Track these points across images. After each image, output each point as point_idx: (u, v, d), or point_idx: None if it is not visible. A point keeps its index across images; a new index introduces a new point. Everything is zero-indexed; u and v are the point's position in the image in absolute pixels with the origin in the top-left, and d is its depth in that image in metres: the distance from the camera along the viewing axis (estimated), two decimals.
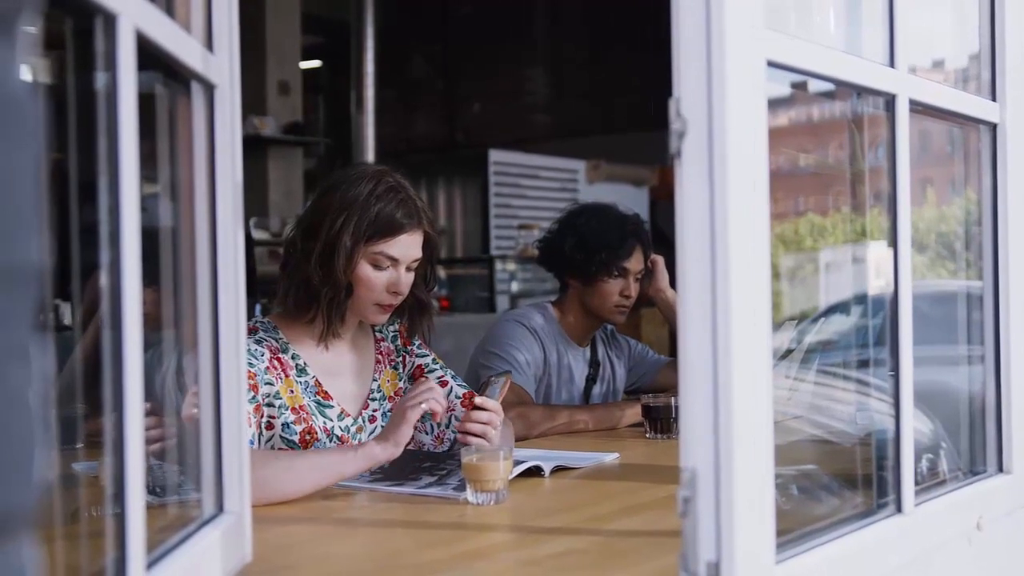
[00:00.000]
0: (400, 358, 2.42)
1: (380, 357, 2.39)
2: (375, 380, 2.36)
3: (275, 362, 2.17)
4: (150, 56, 1.12)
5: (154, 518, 1.18)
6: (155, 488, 1.38)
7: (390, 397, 2.37)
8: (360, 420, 2.29)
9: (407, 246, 2.22)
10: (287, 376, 2.20)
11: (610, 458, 2.36)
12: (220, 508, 1.39)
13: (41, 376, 0.59)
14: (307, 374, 2.23)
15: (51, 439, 0.61)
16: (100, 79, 1.03)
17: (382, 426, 2.30)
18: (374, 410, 2.33)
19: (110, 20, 1.00)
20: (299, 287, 2.21)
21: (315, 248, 2.18)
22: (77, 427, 1.54)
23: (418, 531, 1.73)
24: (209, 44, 1.36)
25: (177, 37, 1.21)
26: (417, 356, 2.43)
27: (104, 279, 1.03)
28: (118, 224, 1.02)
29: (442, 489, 1.96)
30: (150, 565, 1.10)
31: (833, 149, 2.09)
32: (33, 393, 0.57)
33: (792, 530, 1.34)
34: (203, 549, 1.27)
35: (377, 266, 2.20)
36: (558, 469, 2.19)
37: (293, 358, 2.23)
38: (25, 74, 0.58)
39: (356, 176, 2.24)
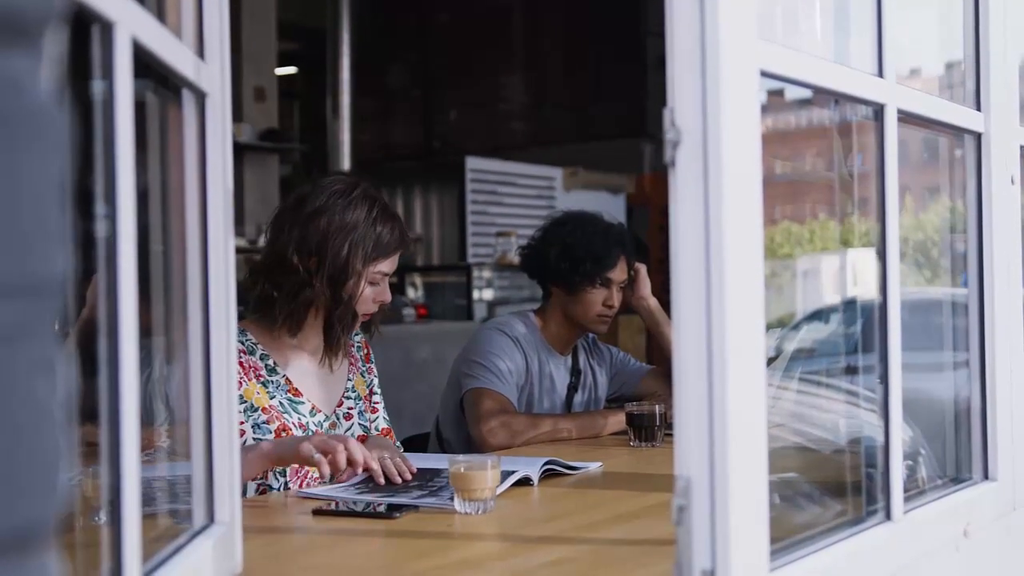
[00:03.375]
0: (366, 367, 2.53)
1: (352, 360, 2.48)
2: (349, 380, 2.45)
3: (237, 366, 2.19)
4: (143, 64, 1.12)
5: (143, 529, 1.17)
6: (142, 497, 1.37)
7: (364, 397, 2.46)
8: (334, 417, 2.38)
9: (396, 261, 2.36)
10: (251, 379, 2.25)
11: (594, 467, 2.36)
12: (211, 519, 1.38)
13: (64, 388, 0.59)
14: (277, 374, 2.30)
15: (73, 450, 0.61)
16: (96, 87, 1.03)
17: (359, 423, 2.42)
18: (349, 408, 2.42)
19: (107, 28, 1.00)
20: (303, 307, 2.28)
21: (320, 271, 2.24)
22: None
23: (407, 541, 1.73)
24: (200, 52, 1.36)
25: (171, 45, 1.21)
26: (374, 375, 2.54)
27: (100, 286, 1.02)
28: (114, 232, 1.01)
29: (437, 499, 1.95)
30: None
31: (810, 157, 2.10)
32: (57, 404, 0.57)
33: (784, 538, 1.34)
34: (195, 560, 1.27)
35: (372, 283, 2.32)
36: (548, 473, 2.20)
37: (262, 359, 2.29)
38: (50, 86, 0.58)
39: (344, 198, 2.29)
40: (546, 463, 2.20)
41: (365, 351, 2.54)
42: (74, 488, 1.39)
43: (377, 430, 2.43)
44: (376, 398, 2.53)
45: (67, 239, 0.59)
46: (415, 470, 2.14)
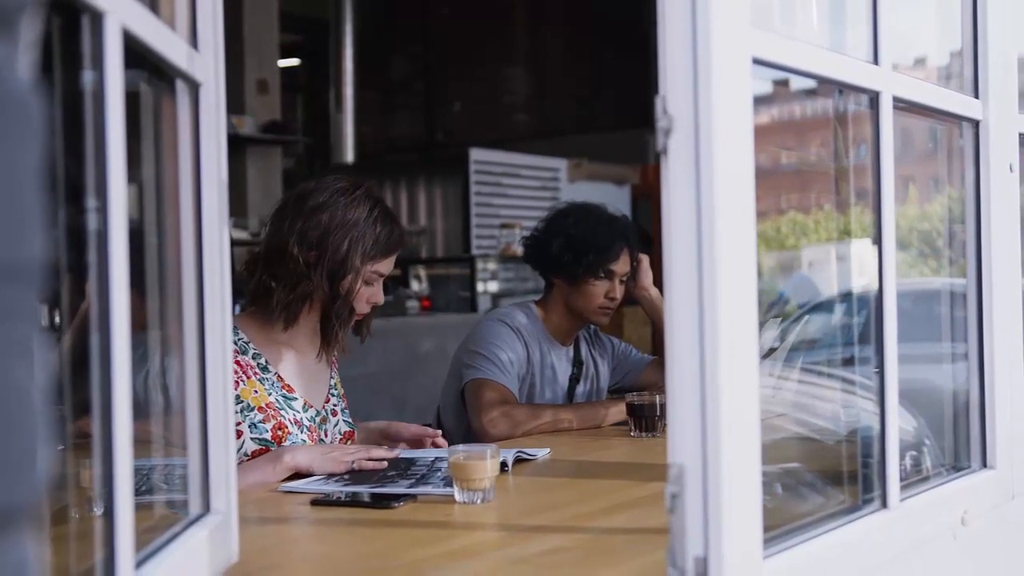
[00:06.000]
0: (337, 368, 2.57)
1: (333, 360, 2.52)
2: (332, 378, 2.49)
3: (234, 365, 2.22)
4: (135, 54, 1.12)
5: (138, 518, 1.17)
6: (137, 487, 1.37)
7: (343, 396, 2.51)
8: (324, 412, 2.42)
9: (392, 263, 2.39)
10: (249, 377, 2.28)
11: (541, 454, 2.38)
12: (207, 508, 1.38)
13: (44, 372, 0.59)
14: (269, 371, 2.33)
15: (53, 435, 0.61)
16: (86, 77, 1.03)
17: (344, 420, 2.47)
18: (334, 405, 2.47)
19: (97, 18, 1.00)
20: (300, 300, 2.30)
21: (319, 265, 2.27)
22: (62, 428, 1.53)
23: (405, 530, 1.73)
24: (194, 42, 1.36)
25: (163, 35, 1.21)
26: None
27: (91, 280, 1.02)
28: (106, 224, 1.01)
29: (433, 487, 1.95)
30: (138, 564, 1.10)
31: (815, 147, 2.10)
32: (36, 389, 0.58)
33: (779, 526, 1.35)
34: (190, 549, 1.27)
35: (367, 282, 2.34)
36: (519, 461, 2.25)
37: (254, 357, 2.32)
38: (26, 72, 0.58)
39: (347, 196, 2.32)
40: (517, 458, 2.25)
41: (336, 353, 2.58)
42: (67, 477, 1.39)
43: (340, 433, 2.45)
44: (341, 404, 2.57)
45: (44, 225, 0.59)
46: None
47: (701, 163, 1.17)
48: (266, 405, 2.27)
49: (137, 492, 1.14)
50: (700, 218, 1.18)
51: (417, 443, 2.45)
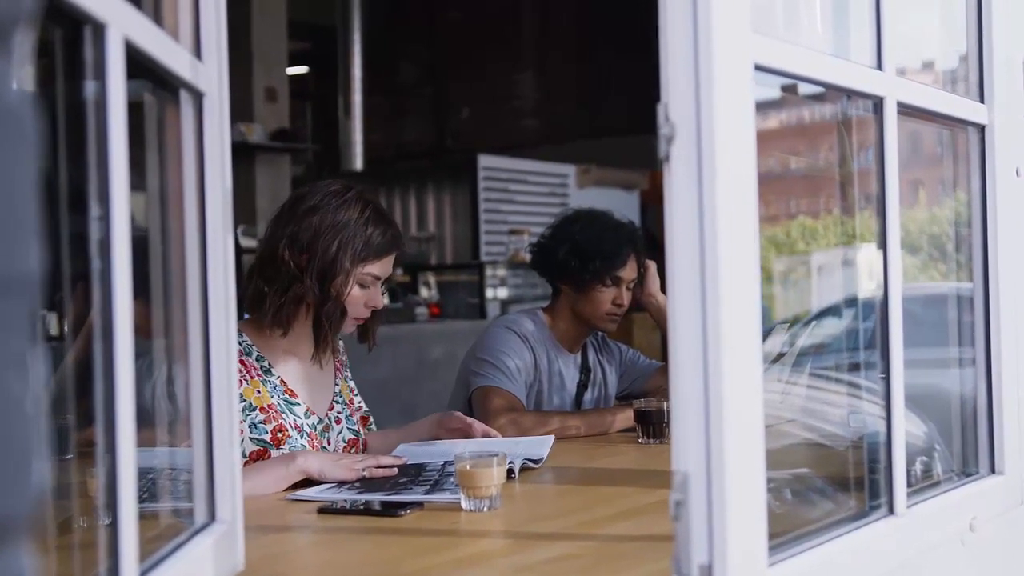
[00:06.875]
0: (347, 372, 2.57)
1: (338, 366, 2.52)
2: (336, 385, 2.49)
3: (238, 365, 2.23)
4: (138, 64, 1.12)
5: (144, 527, 1.17)
6: (142, 495, 1.38)
7: (348, 402, 2.51)
8: (327, 420, 2.41)
9: (389, 265, 2.38)
10: (252, 378, 2.29)
11: (546, 448, 2.39)
12: (212, 517, 1.38)
13: (38, 384, 0.59)
14: (273, 375, 2.33)
15: (48, 447, 0.61)
16: (89, 88, 1.03)
17: (347, 428, 2.46)
18: (338, 412, 2.47)
19: (99, 29, 1.00)
20: (292, 303, 2.30)
21: (310, 267, 2.27)
22: (68, 438, 1.53)
23: (412, 538, 1.73)
24: (197, 52, 1.36)
25: (166, 46, 1.21)
26: (350, 380, 2.58)
27: (94, 289, 1.03)
28: (108, 234, 1.01)
29: (451, 493, 1.95)
30: (143, 574, 1.10)
31: (824, 151, 2.10)
32: (31, 401, 0.58)
33: (785, 533, 1.34)
34: (195, 558, 1.27)
35: (362, 285, 2.34)
36: (525, 469, 2.24)
37: (258, 360, 2.33)
38: (22, 84, 0.58)
39: (338, 198, 2.33)
40: (522, 466, 2.24)
41: (344, 357, 2.58)
42: (74, 486, 1.40)
43: (344, 441, 2.46)
44: (358, 400, 2.58)
45: (41, 237, 0.59)
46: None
47: (703, 170, 1.17)
48: (268, 406, 2.27)
49: (141, 500, 1.14)
50: (703, 225, 1.17)
51: (465, 434, 2.49)
